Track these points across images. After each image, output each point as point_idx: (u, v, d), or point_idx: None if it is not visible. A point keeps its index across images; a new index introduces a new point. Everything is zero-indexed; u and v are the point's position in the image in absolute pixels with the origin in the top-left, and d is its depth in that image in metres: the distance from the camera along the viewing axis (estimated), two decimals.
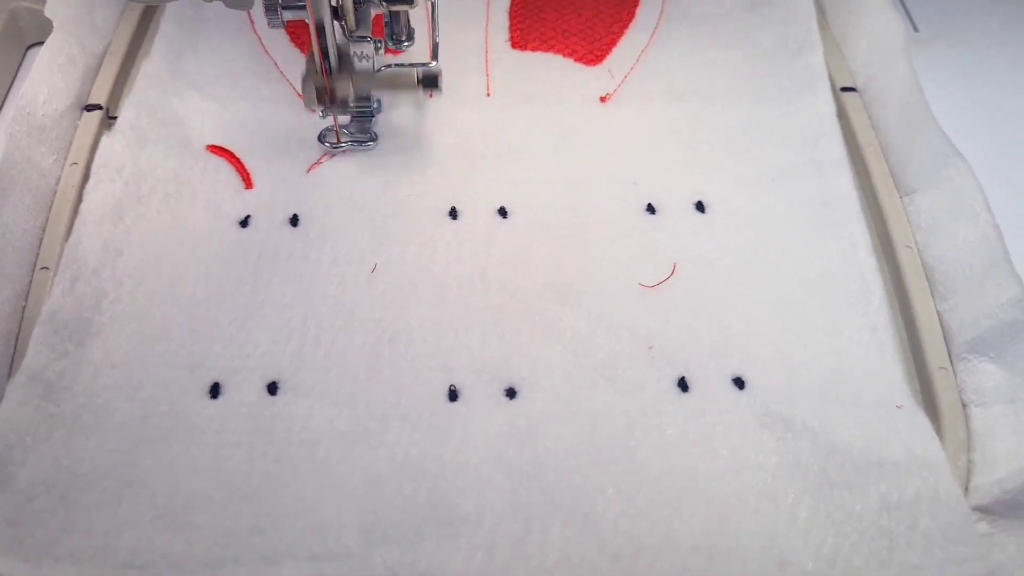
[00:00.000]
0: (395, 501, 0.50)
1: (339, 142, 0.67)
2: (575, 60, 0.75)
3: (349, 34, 0.60)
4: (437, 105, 0.71)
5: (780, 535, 0.49)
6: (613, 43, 0.75)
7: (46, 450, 0.51)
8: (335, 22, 0.59)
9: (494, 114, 0.70)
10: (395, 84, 0.64)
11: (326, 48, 0.59)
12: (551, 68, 0.74)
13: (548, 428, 0.53)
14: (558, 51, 0.75)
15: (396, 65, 0.65)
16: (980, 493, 0.50)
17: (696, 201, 0.65)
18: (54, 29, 0.66)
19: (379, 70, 0.64)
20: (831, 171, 0.66)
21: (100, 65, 0.70)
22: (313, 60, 0.60)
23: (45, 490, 0.50)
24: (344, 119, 0.68)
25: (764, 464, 0.52)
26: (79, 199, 0.62)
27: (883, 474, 0.51)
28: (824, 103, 0.70)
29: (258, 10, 0.65)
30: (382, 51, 0.65)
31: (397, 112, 0.70)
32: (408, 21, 0.64)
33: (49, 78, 0.64)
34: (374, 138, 0.67)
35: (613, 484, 0.51)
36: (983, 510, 0.50)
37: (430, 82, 0.63)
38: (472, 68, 0.74)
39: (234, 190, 0.65)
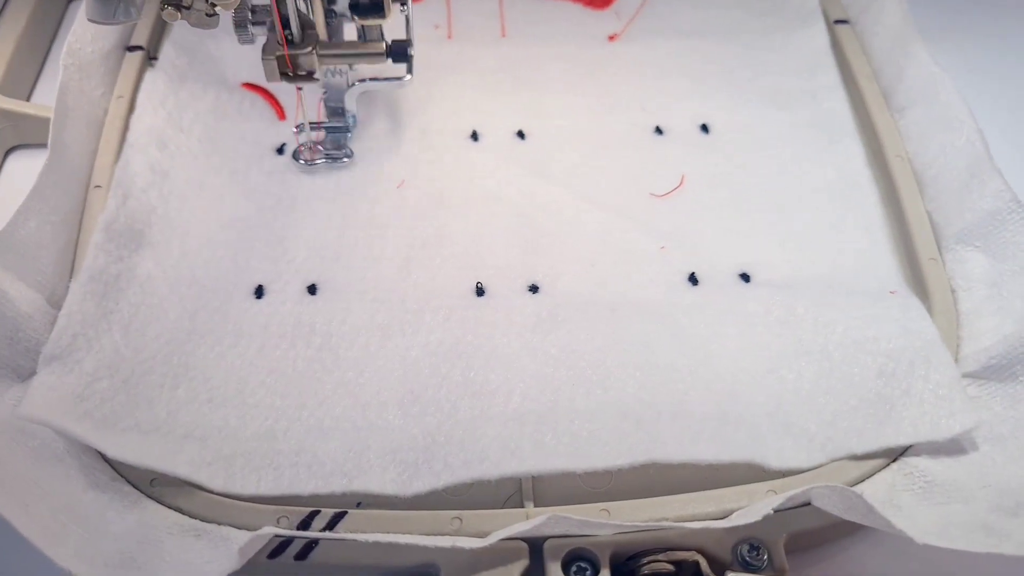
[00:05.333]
0: (431, 380, 0.55)
1: (313, 159, 0.67)
2: (584, 4, 0.79)
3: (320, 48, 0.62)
4: (456, 45, 0.76)
5: (786, 403, 0.53)
6: None
7: (107, 341, 0.55)
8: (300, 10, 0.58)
9: (509, 51, 0.75)
10: (362, 53, 0.62)
11: (287, 18, 0.58)
12: (562, 11, 0.79)
13: (569, 317, 0.58)
14: None
15: (371, 79, 0.66)
16: (969, 361, 0.55)
17: (701, 124, 0.70)
18: None
19: (352, 84, 0.67)
20: (827, 95, 0.71)
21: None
22: (274, 29, 0.59)
23: (109, 374, 0.54)
24: (319, 135, 0.69)
25: (770, 345, 0.56)
26: (126, 128, 0.66)
27: (879, 349, 0.55)
28: (819, 36, 0.74)
29: None
30: (352, 43, 0.65)
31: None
32: (382, 34, 0.64)
33: None
34: (349, 154, 0.68)
35: (631, 363, 0.55)
36: (972, 376, 0.54)
37: (399, 56, 0.63)
38: (487, 12, 0.79)
39: (269, 121, 0.70)
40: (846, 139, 0.67)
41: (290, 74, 0.60)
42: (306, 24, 0.59)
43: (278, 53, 0.59)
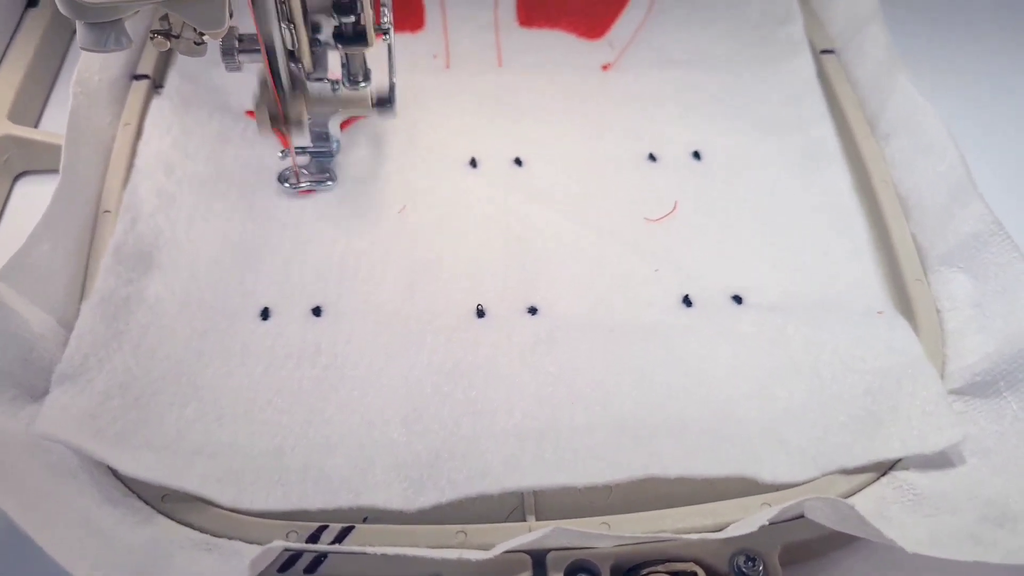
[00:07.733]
0: (433, 398, 0.56)
1: (299, 182, 0.69)
2: (578, 35, 0.82)
3: (306, 75, 0.64)
4: (454, 74, 0.78)
5: (778, 420, 0.55)
6: (613, 19, 0.83)
7: (119, 360, 0.57)
8: (291, 64, 0.61)
9: (506, 80, 0.78)
10: (349, 105, 0.65)
11: (277, 71, 0.60)
12: (556, 42, 0.81)
13: (567, 337, 0.59)
14: (562, 27, 0.82)
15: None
16: (954, 378, 0.57)
17: (693, 151, 0.72)
18: None
19: (336, 111, 0.68)
20: (814, 123, 0.73)
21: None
22: (265, 83, 0.61)
23: (120, 393, 0.55)
24: (303, 159, 0.70)
25: (762, 365, 0.58)
26: (133, 154, 0.68)
27: (867, 367, 0.57)
28: (805, 67, 0.77)
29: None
30: (339, 92, 0.67)
31: (412, 78, 0.76)
32: (364, 61, 0.66)
33: None
34: (333, 178, 0.70)
35: (628, 382, 0.57)
36: (958, 392, 0.56)
37: (384, 103, 0.66)
38: (484, 43, 0.81)
39: (272, 148, 0.72)
40: (833, 165, 0.70)
41: (280, 125, 0.63)
42: (294, 75, 0.62)
43: (269, 105, 0.61)
